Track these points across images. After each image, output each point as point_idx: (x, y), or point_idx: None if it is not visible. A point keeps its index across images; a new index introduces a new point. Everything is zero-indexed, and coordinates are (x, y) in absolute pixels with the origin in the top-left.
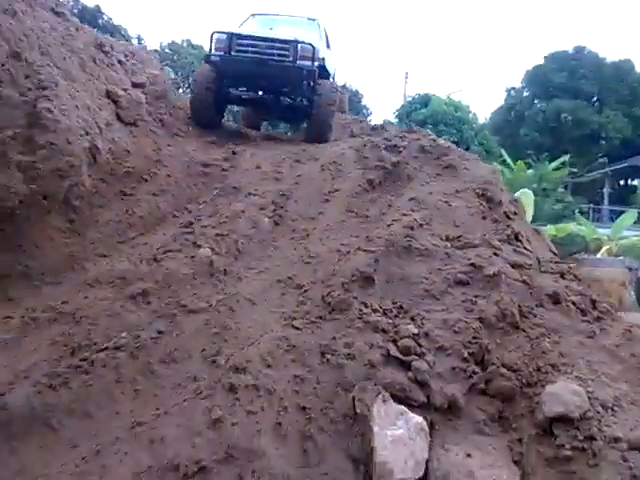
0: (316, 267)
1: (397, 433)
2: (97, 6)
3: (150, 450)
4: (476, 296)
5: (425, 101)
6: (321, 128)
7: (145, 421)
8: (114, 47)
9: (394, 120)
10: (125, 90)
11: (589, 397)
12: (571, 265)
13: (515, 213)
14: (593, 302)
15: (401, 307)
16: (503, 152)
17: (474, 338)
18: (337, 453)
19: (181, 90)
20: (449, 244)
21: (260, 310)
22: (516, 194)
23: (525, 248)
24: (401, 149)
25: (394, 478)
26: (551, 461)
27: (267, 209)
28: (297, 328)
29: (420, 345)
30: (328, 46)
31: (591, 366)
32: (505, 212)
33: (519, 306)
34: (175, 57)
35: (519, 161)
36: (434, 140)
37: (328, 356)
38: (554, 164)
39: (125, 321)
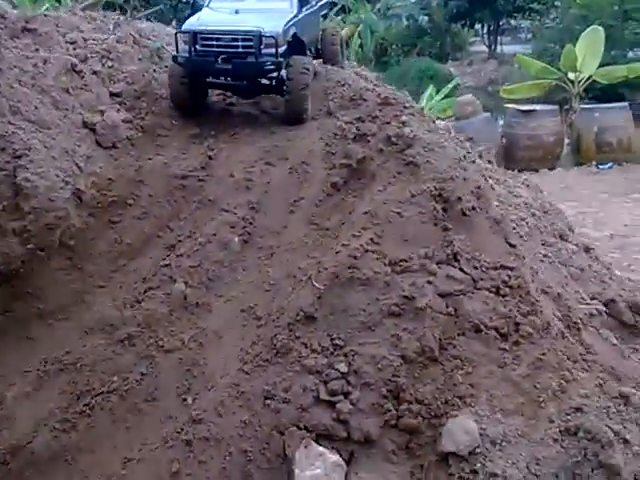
0: (274, 295)
1: (315, 473)
2: None
3: None
4: (404, 329)
5: None
6: (295, 113)
7: (133, 457)
8: (88, 56)
9: None
10: (102, 113)
11: (481, 434)
12: (510, 274)
13: (474, 208)
14: (517, 325)
15: (337, 344)
16: None
17: (393, 376)
18: None
19: None
20: (390, 269)
21: (224, 343)
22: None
23: (461, 269)
24: (370, 138)
25: None
26: None
27: (237, 226)
28: (247, 373)
29: (349, 382)
30: (307, 2)
31: (492, 401)
32: (462, 209)
33: (440, 340)
34: None
35: None
36: (403, 123)
37: (269, 401)
38: None
39: (116, 365)
